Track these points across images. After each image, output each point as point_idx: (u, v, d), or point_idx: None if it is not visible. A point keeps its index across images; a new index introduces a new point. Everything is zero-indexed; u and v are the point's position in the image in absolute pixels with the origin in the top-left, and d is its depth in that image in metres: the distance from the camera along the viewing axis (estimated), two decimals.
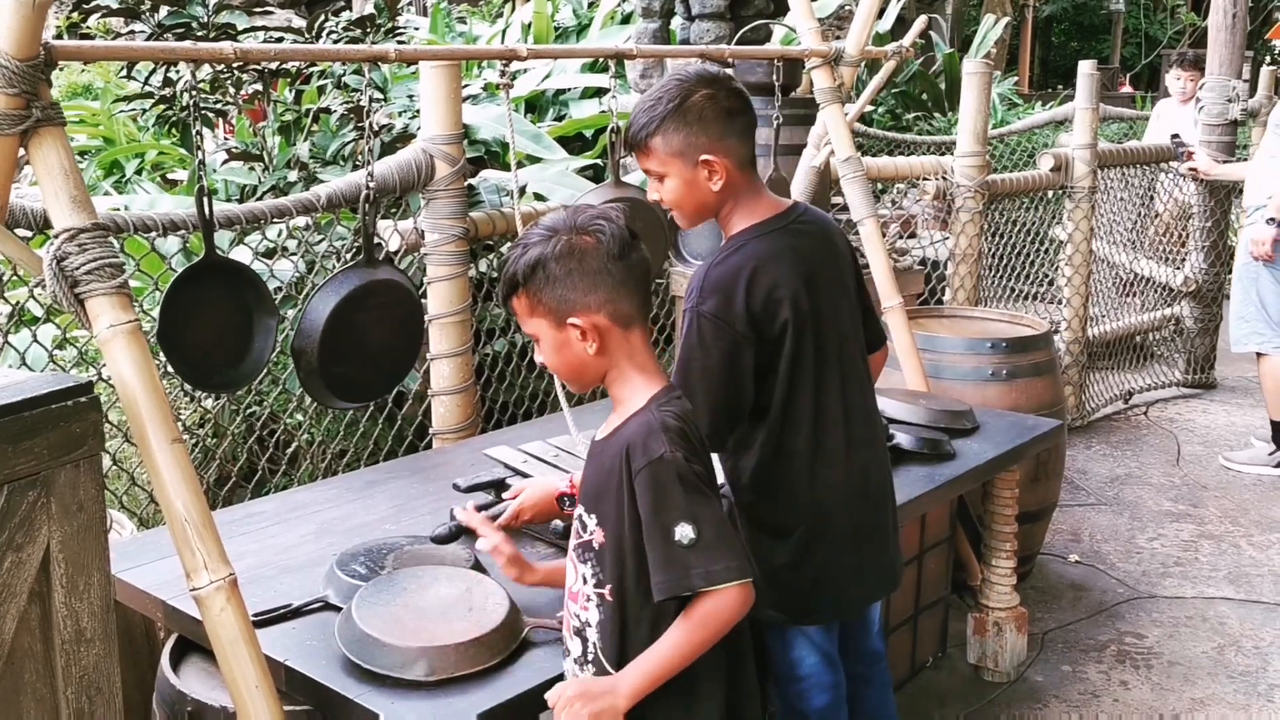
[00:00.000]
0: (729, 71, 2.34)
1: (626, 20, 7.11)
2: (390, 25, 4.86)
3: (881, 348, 2.33)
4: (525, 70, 5.61)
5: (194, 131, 2.16)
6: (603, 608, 1.70)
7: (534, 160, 4.28)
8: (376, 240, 2.82)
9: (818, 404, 2.07)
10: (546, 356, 1.75)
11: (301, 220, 3.15)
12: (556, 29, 6.67)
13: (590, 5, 6.99)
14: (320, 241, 3.39)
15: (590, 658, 1.72)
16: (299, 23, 4.50)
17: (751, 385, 2.01)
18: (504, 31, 6.81)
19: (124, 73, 5.21)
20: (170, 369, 2.33)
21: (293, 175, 3.96)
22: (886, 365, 3.60)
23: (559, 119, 5.63)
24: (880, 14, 8.02)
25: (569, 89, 5.75)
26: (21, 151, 1.79)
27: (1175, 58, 7.41)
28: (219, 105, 4.41)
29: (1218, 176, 5.58)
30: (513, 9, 7.02)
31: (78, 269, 1.73)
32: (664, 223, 3.06)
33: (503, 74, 2.81)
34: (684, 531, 1.60)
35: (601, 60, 3.34)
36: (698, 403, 1.91)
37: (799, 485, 2.08)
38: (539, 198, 3.94)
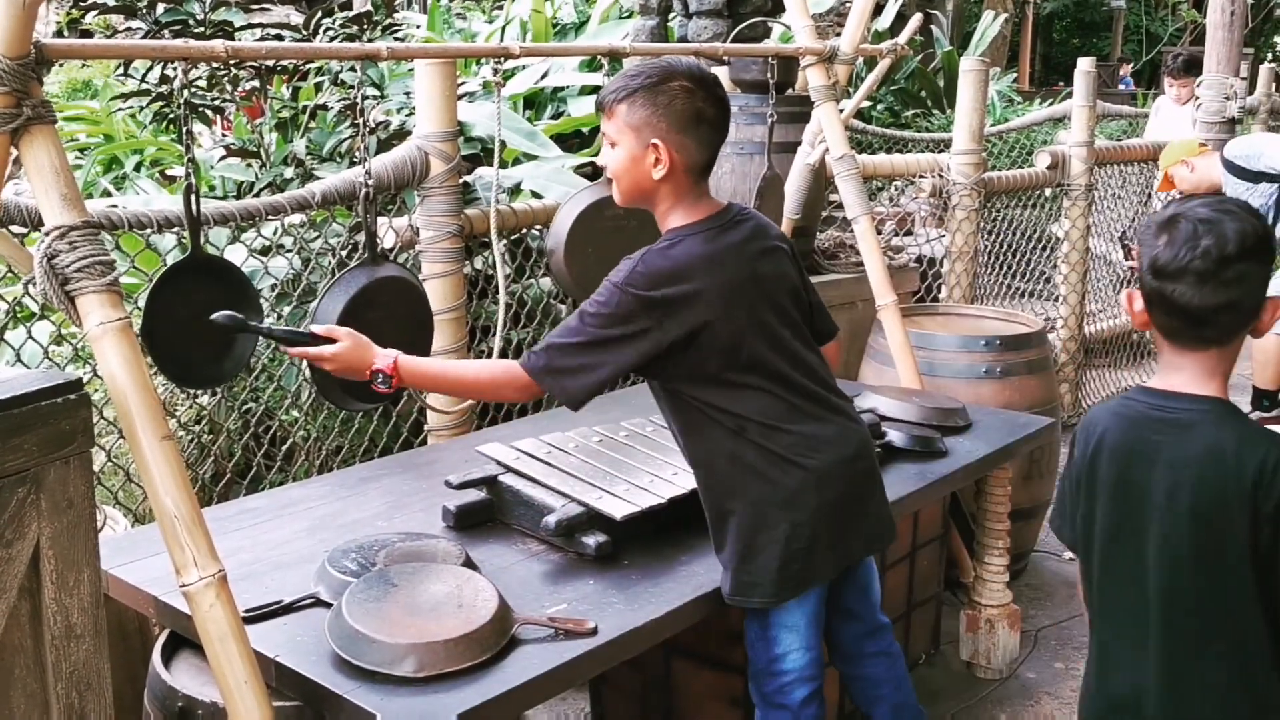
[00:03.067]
0: (723, 81, 2.37)
1: (627, 17, 7.11)
2: (388, 22, 4.86)
3: (832, 340, 2.33)
4: (523, 67, 5.61)
5: (185, 129, 2.17)
6: None
7: (530, 158, 4.28)
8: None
9: (773, 389, 2.09)
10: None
11: (297, 217, 3.16)
12: (555, 26, 6.67)
13: (589, 1, 7.00)
14: (316, 239, 3.40)
15: None
16: (297, 19, 4.49)
17: (617, 373, 2.04)
18: (503, 29, 6.81)
19: (121, 70, 5.21)
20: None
21: (289, 172, 3.97)
22: (880, 363, 3.62)
23: (557, 116, 5.63)
24: (880, 11, 8.02)
25: (567, 86, 5.75)
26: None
27: (1167, 64, 7.42)
28: (216, 102, 4.41)
29: None
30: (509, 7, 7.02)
31: (68, 266, 1.74)
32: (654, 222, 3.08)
33: (496, 71, 2.81)
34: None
35: (599, 57, 3.36)
36: (567, 343, 2.02)
37: (787, 461, 2.11)
38: (535, 195, 3.95)
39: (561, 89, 5.81)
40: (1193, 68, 6.97)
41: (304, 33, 4.20)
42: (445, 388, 2.24)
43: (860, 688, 2.44)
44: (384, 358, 2.05)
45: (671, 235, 2.08)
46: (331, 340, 2.05)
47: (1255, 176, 4.70)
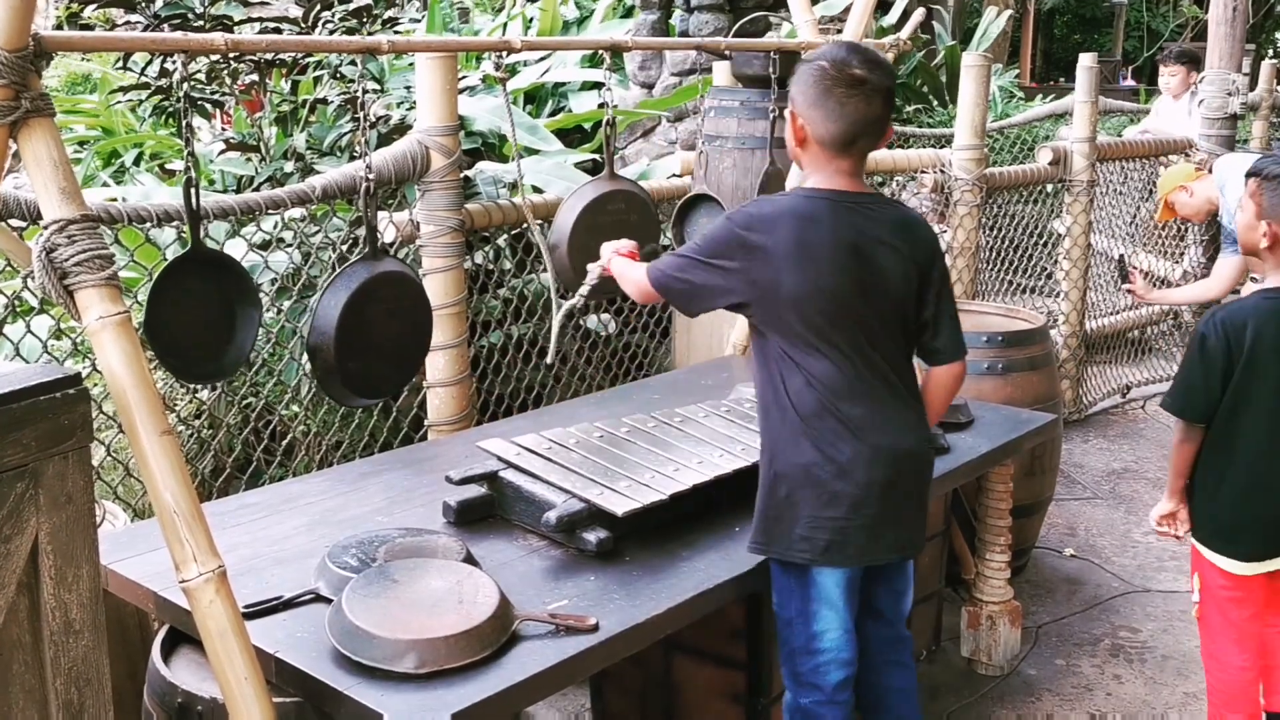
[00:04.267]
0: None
1: (629, 14, 7.09)
2: (388, 15, 4.83)
3: (952, 362, 2.30)
4: (526, 64, 5.60)
5: (185, 123, 2.16)
6: None
7: (531, 152, 4.27)
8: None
9: (846, 363, 2.15)
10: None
11: (297, 212, 3.15)
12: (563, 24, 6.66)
13: None
14: (316, 233, 3.39)
15: None
16: (295, 12, 4.47)
17: (715, 298, 2.21)
18: (504, 27, 6.79)
19: (120, 64, 5.19)
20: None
21: (289, 166, 3.95)
22: None
23: (557, 112, 5.62)
24: (887, 9, 8.00)
25: (568, 82, 5.74)
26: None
27: (1163, 54, 7.38)
28: (216, 96, 4.40)
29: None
30: (514, 3, 6.99)
31: (67, 260, 1.73)
32: (656, 215, 3.09)
33: (498, 66, 2.80)
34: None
35: (600, 53, 3.35)
36: (681, 259, 2.24)
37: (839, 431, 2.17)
38: (536, 189, 3.94)
39: (563, 85, 5.80)
40: (1184, 57, 6.94)
41: (303, 26, 4.18)
42: (621, 282, 2.53)
43: (873, 695, 2.42)
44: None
45: (795, 190, 2.24)
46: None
47: None
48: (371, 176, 2.54)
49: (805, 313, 2.12)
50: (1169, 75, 6.96)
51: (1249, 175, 2.59)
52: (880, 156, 5.07)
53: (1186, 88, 6.79)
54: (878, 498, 2.18)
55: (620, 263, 2.53)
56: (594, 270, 2.61)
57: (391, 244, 3.24)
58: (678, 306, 2.37)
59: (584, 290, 2.68)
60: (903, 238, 2.20)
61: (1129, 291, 3.21)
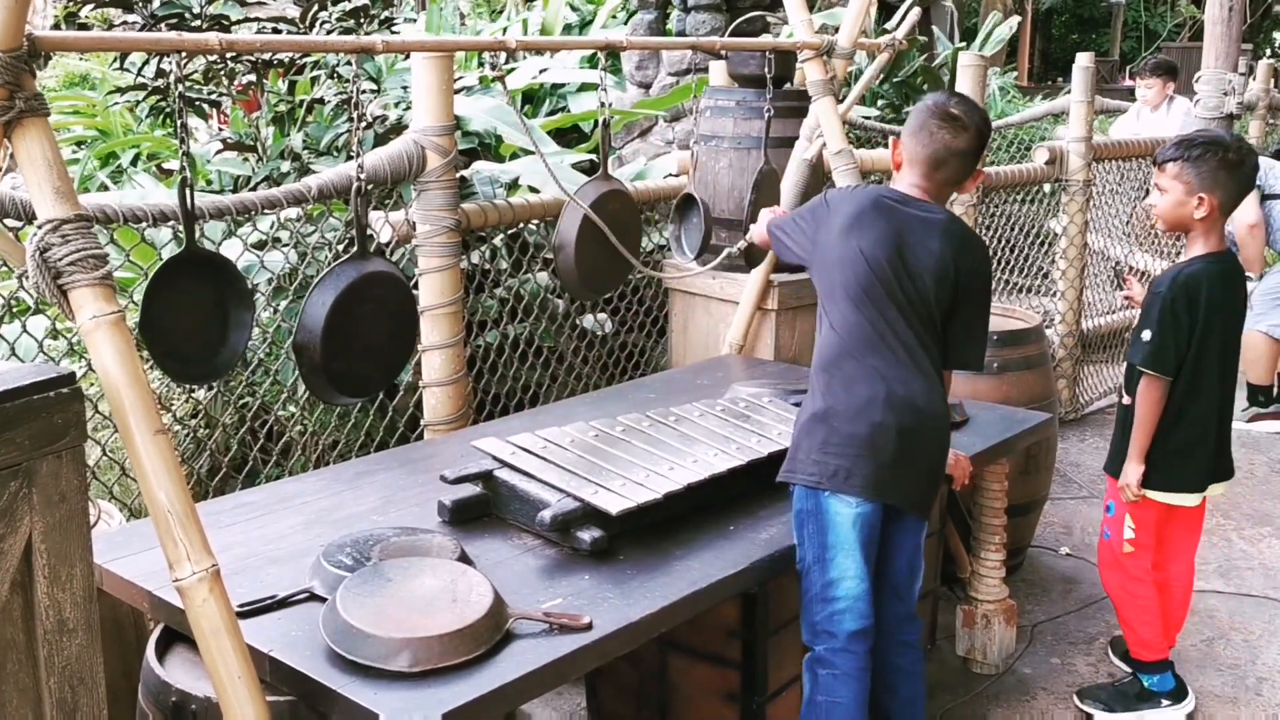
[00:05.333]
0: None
1: (625, 23, 7.10)
2: (384, 16, 4.83)
3: (966, 370, 2.56)
4: (525, 57, 5.60)
5: (180, 123, 2.16)
6: None
7: (528, 153, 4.27)
8: (369, 232, 2.82)
9: (877, 326, 2.39)
10: None
11: (293, 212, 3.15)
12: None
13: (591, 0, 6.98)
14: (312, 234, 3.39)
15: None
16: (293, 12, 4.46)
17: (791, 251, 2.59)
18: (503, 30, 6.80)
19: (117, 64, 5.18)
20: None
21: (286, 166, 3.95)
22: None
23: (555, 112, 5.61)
24: (890, 12, 8.00)
25: (566, 84, 5.74)
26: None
27: (1139, 66, 7.38)
28: (212, 96, 4.39)
29: None
30: (517, 10, 7.00)
31: (61, 260, 1.73)
32: (639, 220, 3.12)
33: (494, 66, 2.80)
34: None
35: (598, 54, 3.35)
36: (791, 219, 2.63)
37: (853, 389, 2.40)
38: (532, 190, 3.94)
39: (561, 85, 5.80)
40: (1160, 69, 6.95)
41: (300, 26, 4.18)
42: (758, 227, 2.83)
43: (881, 674, 2.48)
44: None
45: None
46: None
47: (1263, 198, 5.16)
48: (364, 176, 2.54)
49: (844, 272, 2.40)
50: (1145, 88, 6.99)
51: (1160, 163, 2.90)
52: (877, 156, 5.08)
53: (1164, 98, 6.85)
54: (892, 440, 2.35)
55: (765, 213, 2.84)
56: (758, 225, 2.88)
57: (388, 244, 3.24)
58: (777, 253, 2.72)
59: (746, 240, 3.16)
60: (949, 245, 2.41)
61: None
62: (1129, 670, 3.17)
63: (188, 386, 3.26)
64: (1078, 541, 4.20)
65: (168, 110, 4.53)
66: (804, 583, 2.39)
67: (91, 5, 4.31)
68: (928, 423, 2.41)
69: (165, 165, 5.54)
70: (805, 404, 2.47)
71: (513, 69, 5.48)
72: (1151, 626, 3.07)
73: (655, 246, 4.37)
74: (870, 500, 2.36)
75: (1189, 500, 3.01)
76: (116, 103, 5.14)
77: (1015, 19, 9.54)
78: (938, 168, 2.46)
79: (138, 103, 4.65)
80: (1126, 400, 3.00)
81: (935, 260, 2.39)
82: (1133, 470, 2.94)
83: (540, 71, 5.50)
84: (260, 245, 3.28)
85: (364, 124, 3.86)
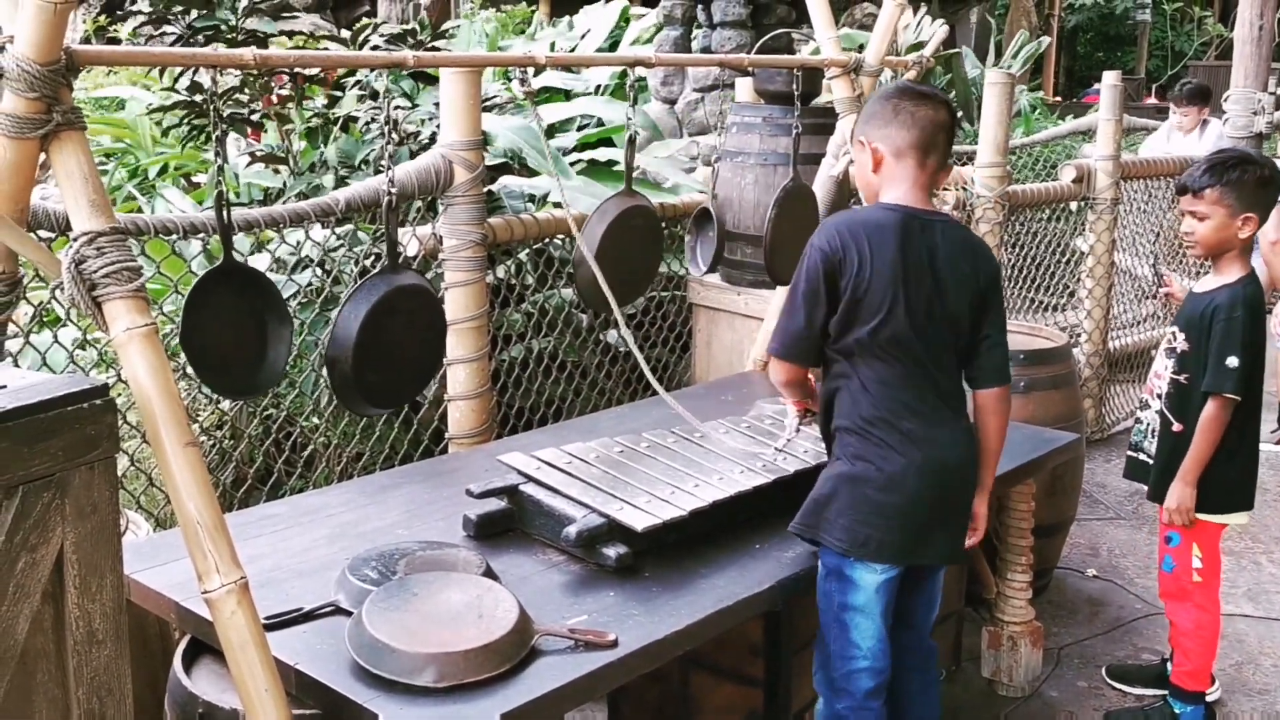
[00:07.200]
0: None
1: (658, 33, 7.13)
2: (431, 44, 4.86)
3: (997, 386, 2.36)
4: (550, 96, 5.63)
5: (214, 137, 2.17)
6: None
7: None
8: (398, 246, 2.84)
9: (904, 373, 2.24)
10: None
11: (320, 234, 3.17)
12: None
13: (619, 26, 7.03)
14: (338, 247, 3.41)
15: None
16: (323, 30, 4.51)
17: (818, 316, 2.24)
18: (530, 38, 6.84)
19: (148, 77, 5.22)
20: (189, 372, 2.35)
21: (320, 180, 3.97)
22: None
23: (584, 127, 5.63)
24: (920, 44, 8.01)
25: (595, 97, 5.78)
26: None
27: (1173, 95, 7.37)
28: (250, 113, 4.42)
29: None
30: (541, 27, 7.05)
31: (95, 272, 1.74)
32: (660, 233, 3.11)
33: (524, 82, 2.81)
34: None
35: (629, 89, 3.37)
36: (787, 321, 2.29)
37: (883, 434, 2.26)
38: (557, 205, 3.95)
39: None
40: (1196, 97, 6.95)
41: (351, 47, 4.22)
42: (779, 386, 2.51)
43: (897, 704, 2.46)
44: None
45: (874, 204, 2.32)
46: None
47: None
48: (394, 190, 2.55)
49: (875, 325, 2.20)
50: (1182, 115, 7.00)
51: (1196, 191, 2.85)
52: None
53: (1198, 123, 6.86)
54: (925, 508, 2.26)
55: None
56: (790, 423, 2.70)
57: (414, 257, 3.26)
58: (801, 360, 2.34)
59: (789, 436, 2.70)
60: (969, 261, 2.29)
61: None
62: (1124, 689, 3.24)
63: (215, 398, 3.28)
64: (1104, 563, 4.16)
65: (204, 126, 4.55)
66: (823, 633, 2.34)
67: (137, 24, 4.34)
68: (958, 478, 2.32)
69: (193, 178, 5.59)
70: (835, 458, 2.32)
71: (543, 95, 5.50)
72: (1209, 658, 3.06)
73: (685, 265, 4.37)
74: (899, 565, 2.30)
75: (1242, 519, 3.04)
76: (152, 115, 5.15)
77: (1045, 39, 9.53)
78: (929, 152, 2.27)
79: (176, 124, 4.65)
80: (1178, 427, 2.94)
81: (967, 283, 2.27)
82: (1188, 494, 2.90)
83: (570, 103, 5.52)
84: (279, 263, 3.30)
85: (398, 141, 3.88)
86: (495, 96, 4.46)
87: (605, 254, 2.99)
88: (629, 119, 3.06)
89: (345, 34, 4.34)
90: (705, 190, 4.49)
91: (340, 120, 4.23)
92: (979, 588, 3.44)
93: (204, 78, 2.32)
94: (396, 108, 4.14)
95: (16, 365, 2.66)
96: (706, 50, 6.71)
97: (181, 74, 4.58)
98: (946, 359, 2.29)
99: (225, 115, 2.15)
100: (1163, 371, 3.02)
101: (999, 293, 2.36)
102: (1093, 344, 5.41)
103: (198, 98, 4.19)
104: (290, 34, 4.58)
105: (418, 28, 4.40)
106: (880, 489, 2.24)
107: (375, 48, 4.16)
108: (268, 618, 1.95)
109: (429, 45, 4.44)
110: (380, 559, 2.16)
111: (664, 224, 3.91)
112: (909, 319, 2.20)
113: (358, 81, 4.37)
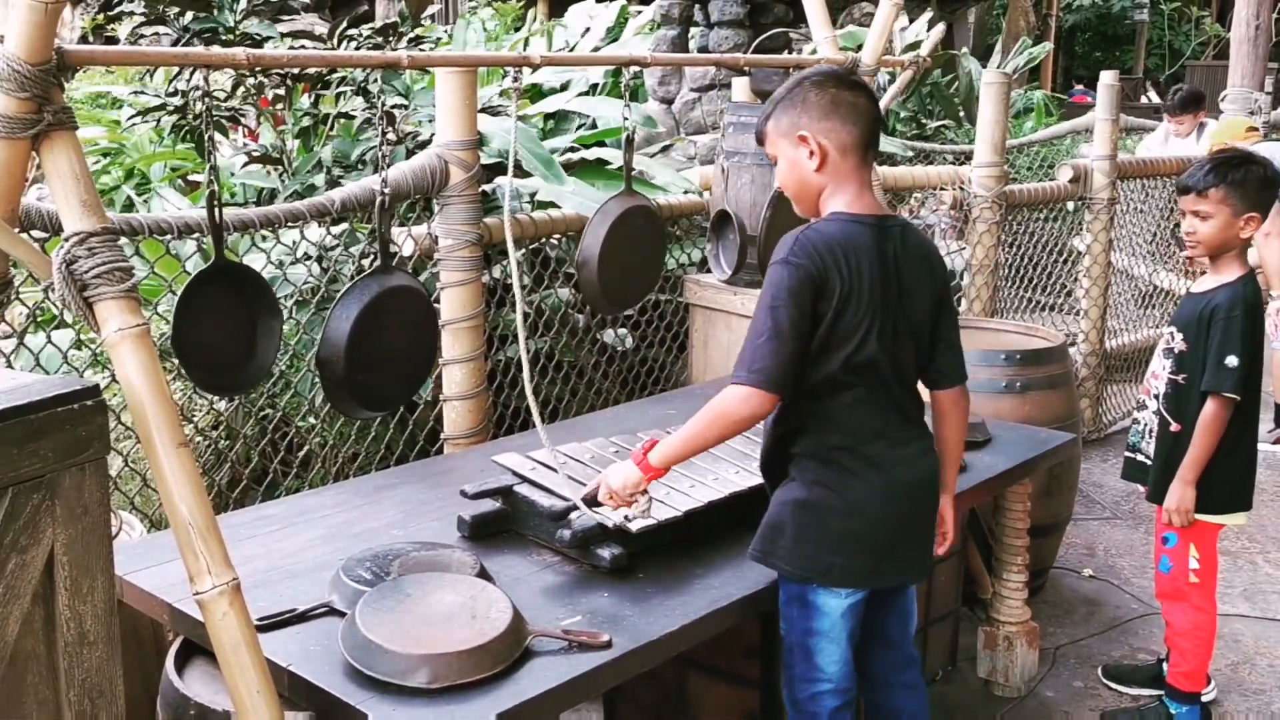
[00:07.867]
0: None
1: (655, 32, 7.11)
2: (414, 34, 4.86)
3: (955, 387, 2.30)
4: (547, 90, 5.62)
5: (208, 136, 2.17)
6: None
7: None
8: (392, 246, 2.84)
9: (873, 394, 2.14)
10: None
11: (317, 234, 3.16)
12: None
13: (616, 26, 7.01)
14: (335, 247, 3.40)
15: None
16: (321, 28, 4.50)
17: (807, 345, 2.07)
18: (525, 42, 6.83)
19: (139, 80, 5.22)
20: (182, 372, 2.35)
21: (316, 180, 3.96)
22: None
23: (581, 127, 5.62)
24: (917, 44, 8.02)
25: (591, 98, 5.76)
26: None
27: (1167, 105, 7.39)
28: (234, 111, 4.41)
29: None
30: (534, 19, 7.05)
31: (86, 273, 1.74)
32: (663, 232, 3.09)
33: (516, 79, 2.80)
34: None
35: (624, 88, 3.36)
36: (759, 342, 2.05)
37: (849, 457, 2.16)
38: (551, 205, 3.95)
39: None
40: (1190, 104, 6.97)
41: (329, 44, 4.21)
42: (696, 447, 2.18)
43: (883, 717, 2.42)
44: (641, 464, 2.17)
45: (827, 219, 2.14)
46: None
47: None
48: (388, 190, 2.54)
49: (849, 353, 2.09)
50: (1177, 123, 7.02)
51: (1199, 191, 2.83)
52: (900, 173, 5.07)
53: (1194, 126, 6.88)
54: (891, 530, 2.19)
55: (667, 442, 2.17)
56: (638, 504, 2.22)
57: (410, 257, 3.25)
58: (779, 388, 2.06)
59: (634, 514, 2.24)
60: (927, 267, 2.22)
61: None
62: (1120, 689, 3.25)
63: (210, 398, 3.28)
64: (1101, 563, 4.16)
65: (188, 127, 4.55)
66: (787, 657, 2.27)
67: (129, 27, 4.33)
68: (923, 492, 2.24)
69: (190, 178, 5.58)
70: (789, 480, 2.20)
71: (539, 89, 5.49)
72: (1205, 658, 3.07)
73: (679, 265, 4.37)
74: (864, 589, 2.22)
75: (1240, 520, 3.03)
76: (134, 121, 5.15)
77: (1047, 45, 9.55)
78: (869, 148, 2.12)
79: (165, 126, 4.66)
80: (1176, 427, 2.94)
81: (926, 291, 2.19)
82: (1188, 494, 2.90)
83: (566, 101, 5.51)
84: (280, 265, 3.29)
85: (395, 140, 3.87)
86: (497, 107, 4.46)
87: (608, 255, 2.99)
88: (625, 118, 3.05)
89: (322, 29, 4.33)
90: (694, 190, 4.48)
91: (330, 119, 4.22)
92: (975, 588, 3.44)
93: (197, 77, 2.32)
94: (393, 106, 4.14)
95: (10, 366, 2.65)
96: (704, 50, 6.70)
97: (179, 74, 4.58)
98: (909, 373, 2.21)
99: (209, 114, 2.13)
100: (1160, 372, 3.01)
101: (951, 294, 2.30)
102: (1090, 344, 5.42)
103: (178, 100, 4.18)
104: (294, 35, 4.58)
105: (398, 19, 4.40)
106: (842, 515, 2.15)
107: (353, 40, 4.16)
108: (260, 619, 1.94)
109: (411, 38, 4.44)
110: (374, 560, 2.15)
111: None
112: (879, 341, 2.10)
113: (342, 79, 4.37)
